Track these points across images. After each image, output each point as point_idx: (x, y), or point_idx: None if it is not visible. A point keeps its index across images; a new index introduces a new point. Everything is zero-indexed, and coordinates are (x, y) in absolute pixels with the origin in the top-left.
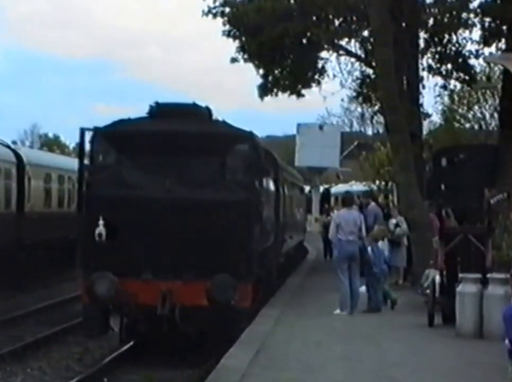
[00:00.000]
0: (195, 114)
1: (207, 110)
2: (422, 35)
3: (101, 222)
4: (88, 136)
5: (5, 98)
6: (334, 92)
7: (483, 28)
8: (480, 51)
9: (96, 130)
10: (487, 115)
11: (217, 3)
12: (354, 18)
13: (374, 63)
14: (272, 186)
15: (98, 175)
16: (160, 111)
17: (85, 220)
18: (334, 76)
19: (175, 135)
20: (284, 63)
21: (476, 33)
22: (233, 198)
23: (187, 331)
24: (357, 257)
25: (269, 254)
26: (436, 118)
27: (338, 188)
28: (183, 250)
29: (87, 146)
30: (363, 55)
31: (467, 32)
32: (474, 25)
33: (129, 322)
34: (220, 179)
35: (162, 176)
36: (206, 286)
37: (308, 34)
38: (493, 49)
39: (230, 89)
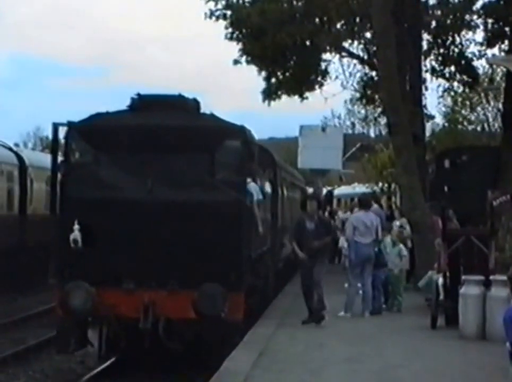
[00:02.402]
0: (181, 106)
1: (195, 102)
2: (425, 36)
3: (76, 227)
4: (62, 131)
5: (8, 101)
6: (335, 93)
7: (486, 29)
8: (483, 53)
9: (70, 125)
10: (490, 117)
11: (219, 6)
12: (357, 20)
13: (376, 65)
14: (268, 186)
15: (73, 175)
16: (142, 103)
17: (59, 225)
18: (336, 77)
19: (158, 130)
20: (287, 65)
21: (479, 35)
22: (222, 199)
23: (172, 346)
24: (373, 259)
25: (265, 260)
26: (439, 120)
27: (341, 190)
28: (167, 257)
29: (62, 143)
30: (365, 57)
31: (470, 33)
32: (477, 26)
33: (109, 336)
34: (208, 178)
35: (144, 175)
36: (193, 296)
37: (311, 36)
38: (496, 50)
39: (233, 91)
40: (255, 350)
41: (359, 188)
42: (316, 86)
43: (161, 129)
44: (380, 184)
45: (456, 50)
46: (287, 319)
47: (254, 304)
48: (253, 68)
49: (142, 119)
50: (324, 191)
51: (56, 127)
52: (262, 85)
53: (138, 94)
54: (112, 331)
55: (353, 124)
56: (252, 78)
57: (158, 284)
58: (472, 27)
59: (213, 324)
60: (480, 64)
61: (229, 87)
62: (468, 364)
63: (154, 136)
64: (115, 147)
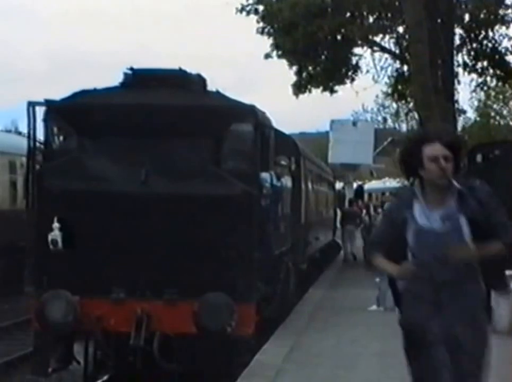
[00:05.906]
0: (182, 83)
1: (199, 78)
2: (458, 31)
3: (56, 225)
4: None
5: (40, 95)
6: (366, 87)
7: None
8: None
9: (49, 105)
10: None
11: (251, 1)
12: (388, 14)
13: (408, 60)
14: (289, 178)
15: (53, 163)
16: (136, 79)
17: (36, 222)
18: (367, 71)
19: (154, 110)
20: (318, 59)
21: None
22: (230, 193)
23: (168, 367)
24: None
25: (285, 261)
26: (471, 114)
27: (372, 185)
28: (164, 261)
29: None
30: (397, 52)
31: (504, 28)
32: (510, 21)
33: (96, 354)
34: (213, 168)
35: (137, 164)
36: (194, 308)
37: (343, 30)
38: None
39: (263, 86)
40: (287, 344)
41: (390, 183)
42: (347, 81)
43: (157, 109)
44: (411, 179)
45: (489, 45)
46: (319, 313)
47: (269, 314)
48: (284, 63)
49: (135, 98)
50: (355, 185)
51: (32, 106)
52: (293, 79)
53: (132, 68)
54: (99, 348)
55: (384, 119)
56: (283, 73)
57: (152, 293)
58: (505, 22)
59: (217, 341)
60: None
61: (260, 83)
62: (500, 359)
63: (150, 118)
64: (103, 130)
